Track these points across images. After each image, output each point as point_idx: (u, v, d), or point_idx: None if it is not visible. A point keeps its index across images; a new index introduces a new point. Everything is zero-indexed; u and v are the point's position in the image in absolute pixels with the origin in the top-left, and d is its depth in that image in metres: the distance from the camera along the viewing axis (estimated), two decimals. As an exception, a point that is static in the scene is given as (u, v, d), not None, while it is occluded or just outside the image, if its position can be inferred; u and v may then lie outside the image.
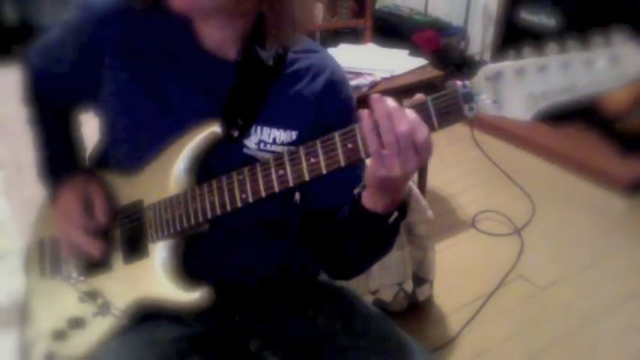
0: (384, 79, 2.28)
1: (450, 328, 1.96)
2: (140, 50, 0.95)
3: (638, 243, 2.41)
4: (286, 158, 0.83)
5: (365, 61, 2.34)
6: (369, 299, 1.81)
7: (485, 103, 0.72)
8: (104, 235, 1.01)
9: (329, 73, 1.01)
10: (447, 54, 3.66)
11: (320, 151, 0.80)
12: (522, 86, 0.70)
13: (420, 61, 2.46)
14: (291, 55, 1.00)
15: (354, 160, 0.79)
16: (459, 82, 0.73)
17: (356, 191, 0.88)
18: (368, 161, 0.81)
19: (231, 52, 0.96)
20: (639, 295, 2.12)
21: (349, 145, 0.79)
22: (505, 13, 3.26)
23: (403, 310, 1.93)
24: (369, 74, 2.26)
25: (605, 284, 2.17)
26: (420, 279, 1.93)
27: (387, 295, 1.87)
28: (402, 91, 2.37)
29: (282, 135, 0.97)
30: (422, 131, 0.74)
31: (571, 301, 2.08)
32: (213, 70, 0.96)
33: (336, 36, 3.29)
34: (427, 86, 2.41)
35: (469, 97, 0.72)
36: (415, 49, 2.95)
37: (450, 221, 2.53)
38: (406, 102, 0.77)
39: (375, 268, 1.78)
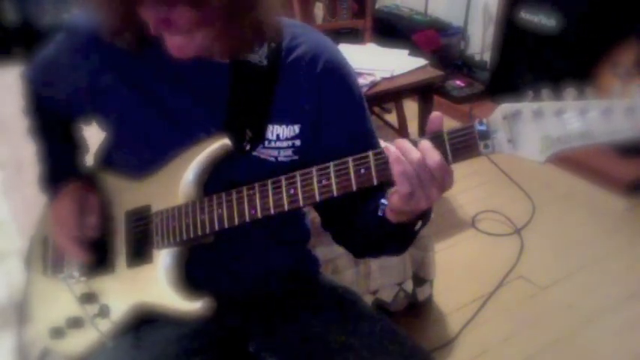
0: (384, 79, 2.28)
1: (450, 328, 1.96)
2: (132, 66, 0.94)
3: (638, 243, 2.41)
4: (298, 178, 0.84)
5: (365, 61, 2.34)
6: (369, 299, 1.81)
7: (500, 141, 0.72)
8: (98, 242, 1.02)
9: (326, 55, 0.98)
10: (447, 54, 3.66)
11: (333, 174, 0.81)
12: (539, 128, 0.70)
13: (420, 61, 2.46)
14: (287, 43, 0.97)
15: (366, 186, 0.80)
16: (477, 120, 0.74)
17: (379, 212, 0.88)
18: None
19: (223, 57, 0.95)
20: (639, 295, 2.12)
21: (362, 171, 0.79)
22: (505, 13, 3.26)
23: (403, 310, 1.93)
24: (369, 74, 2.26)
25: (605, 284, 2.17)
26: (420, 279, 1.93)
27: (387, 295, 1.87)
28: (402, 91, 2.38)
29: (285, 130, 0.96)
30: (433, 157, 0.74)
31: (571, 301, 2.08)
32: (208, 72, 0.94)
33: (336, 36, 3.29)
34: (427, 86, 2.41)
35: (485, 135, 0.73)
36: (415, 49, 2.96)
37: (450, 221, 2.53)
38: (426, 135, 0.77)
39: (375, 268, 1.78)
